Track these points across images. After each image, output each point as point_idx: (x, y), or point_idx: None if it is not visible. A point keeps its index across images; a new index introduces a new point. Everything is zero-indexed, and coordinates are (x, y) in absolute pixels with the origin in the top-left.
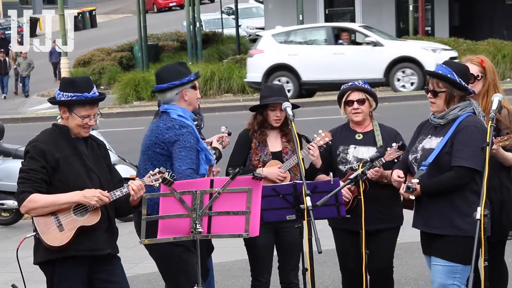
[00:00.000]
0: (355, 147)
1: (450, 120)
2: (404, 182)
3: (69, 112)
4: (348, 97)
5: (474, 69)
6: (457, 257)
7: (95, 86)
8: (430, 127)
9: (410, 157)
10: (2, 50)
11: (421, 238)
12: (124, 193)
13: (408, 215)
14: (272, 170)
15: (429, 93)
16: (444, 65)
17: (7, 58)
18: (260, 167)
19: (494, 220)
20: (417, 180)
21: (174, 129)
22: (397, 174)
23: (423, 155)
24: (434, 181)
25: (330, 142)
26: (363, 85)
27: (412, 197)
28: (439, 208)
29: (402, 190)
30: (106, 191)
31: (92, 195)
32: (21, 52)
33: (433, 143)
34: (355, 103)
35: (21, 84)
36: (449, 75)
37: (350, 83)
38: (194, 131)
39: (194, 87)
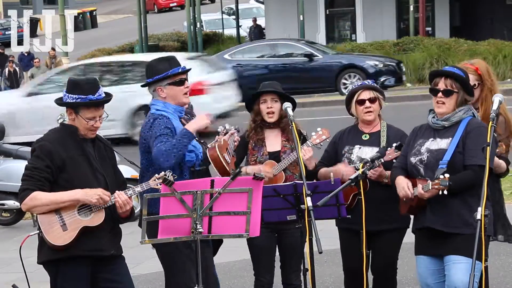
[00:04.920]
0: (360, 147)
1: (455, 122)
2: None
3: (75, 114)
4: (359, 96)
5: (470, 78)
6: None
7: (101, 88)
8: (429, 131)
9: (414, 159)
10: (12, 59)
11: (423, 238)
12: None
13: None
14: (256, 166)
15: (440, 93)
16: (455, 68)
17: (17, 69)
18: None
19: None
20: (448, 175)
21: (149, 123)
22: (407, 184)
23: (433, 156)
24: (456, 177)
25: (328, 140)
26: (373, 84)
27: (445, 192)
28: (455, 206)
29: (421, 190)
30: (112, 192)
31: (93, 193)
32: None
33: (440, 144)
34: (367, 101)
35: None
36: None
37: (360, 83)
38: (169, 121)
39: (175, 83)
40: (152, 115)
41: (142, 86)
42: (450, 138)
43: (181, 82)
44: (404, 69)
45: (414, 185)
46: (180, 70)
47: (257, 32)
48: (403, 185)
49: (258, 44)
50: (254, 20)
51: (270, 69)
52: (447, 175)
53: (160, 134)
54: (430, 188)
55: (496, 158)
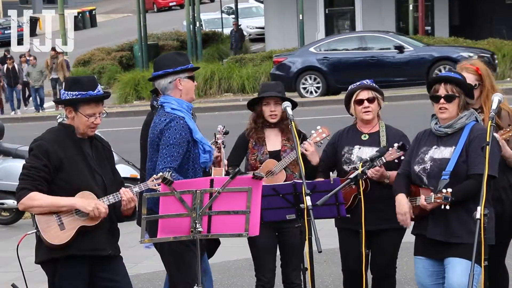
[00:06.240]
0: (359, 148)
1: (458, 129)
2: (412, 196)
3: (75, 111)
4: (357, 96)
5: (470, 78)
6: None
7: (99, 85)
8: (433, 138)
9: (417, 168)
10: (10, 56)
11: (423, 242)
12: (118, 199)
13: None
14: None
15: (442, 99)
16: (453, 72)
17: (15, 66)
18: (257, 166)
19: (506, 220)
20: (450, 190)
21: (164, 123)
22: (409, 211)
23: (436, 165)
24: (458, 189)
25: (328, 138)
26: (371, 84)
27: (448, 207)
28: (458, 216)
29: (423, 201)
30: (110, 192)
31: (90, 202)
32: (28, 58)
33: (444, 153)
34: (365, 101)
35: (30, 97)
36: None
37: (358, 83)
38: (185, 123)
39: (191, 78)
40: (168, 114)
41: (152, 79)
42: (454, 147)
43: (193, 78)
44: (497, 61)
45: (418, 194)
46: (193, 66)
47: (238, 36)
48: (405, 210)
49: (345, 37)
50: (235, 24)
51: (359, 62)
52: (449, 190)
53: (173, 143)
54: (432, 201)
55: (507, 148)
